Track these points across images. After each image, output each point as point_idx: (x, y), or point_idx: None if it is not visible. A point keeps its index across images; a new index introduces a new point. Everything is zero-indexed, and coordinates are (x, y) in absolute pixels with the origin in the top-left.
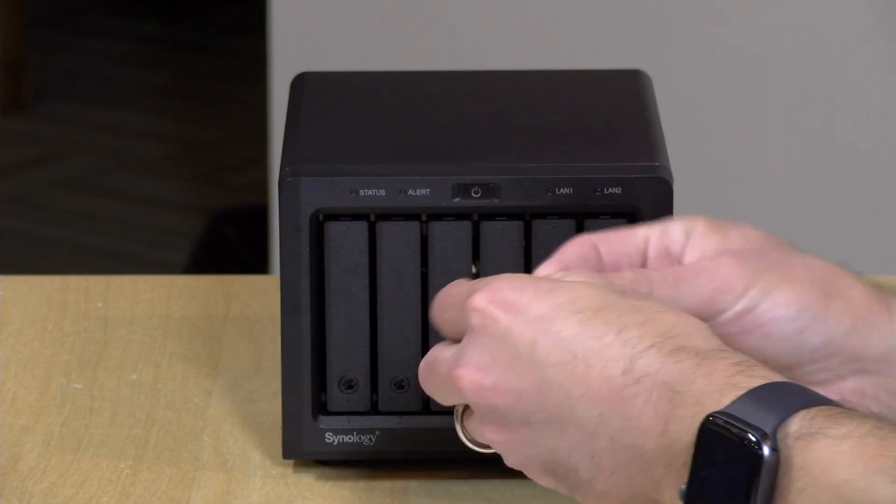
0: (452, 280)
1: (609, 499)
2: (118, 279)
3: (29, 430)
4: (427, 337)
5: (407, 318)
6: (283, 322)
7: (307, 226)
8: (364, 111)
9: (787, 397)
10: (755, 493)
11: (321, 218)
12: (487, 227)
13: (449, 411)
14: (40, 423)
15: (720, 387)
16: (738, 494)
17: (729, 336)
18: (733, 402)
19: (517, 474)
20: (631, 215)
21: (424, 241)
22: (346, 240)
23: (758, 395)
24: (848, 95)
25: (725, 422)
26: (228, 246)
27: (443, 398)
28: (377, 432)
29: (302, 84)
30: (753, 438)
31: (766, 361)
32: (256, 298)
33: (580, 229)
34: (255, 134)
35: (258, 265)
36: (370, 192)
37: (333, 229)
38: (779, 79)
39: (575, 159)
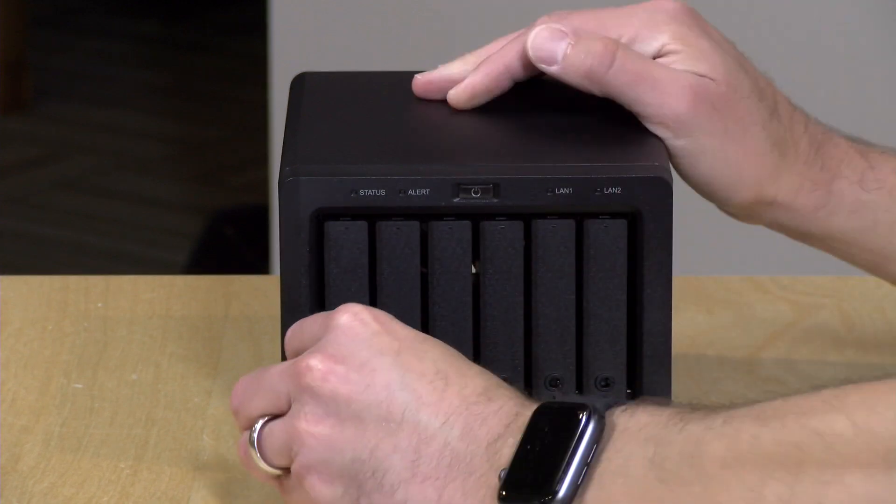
0: (453, 280)
1: None
2: (118, 279)
3: (29, 430)
4: None
5: (406, 317)
6: (283, 322)
7: (307, 226)
8: (364, 111)
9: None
10: (575, 451)
11: (321, 218)
12: (487, 227)
13: None
14: (40, 423)
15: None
16: (558, 457)
17: None
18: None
19: None
20: (631, 215)
21: (424, 240)
22: (346, 240)
23: (594, 397)
24: (849, 96)
25: (560, 403)
26: (228, 246)
27: (260, 404)
28: None
29: (302, 84)
30: (583, 408)
31: None
32: (256, 298)
33: (580, 229)
34: (255, 134)
35: (258, 265)
36: (370, 191)
37: (333, 229)
38: (779, 79)
39: (575, 159)
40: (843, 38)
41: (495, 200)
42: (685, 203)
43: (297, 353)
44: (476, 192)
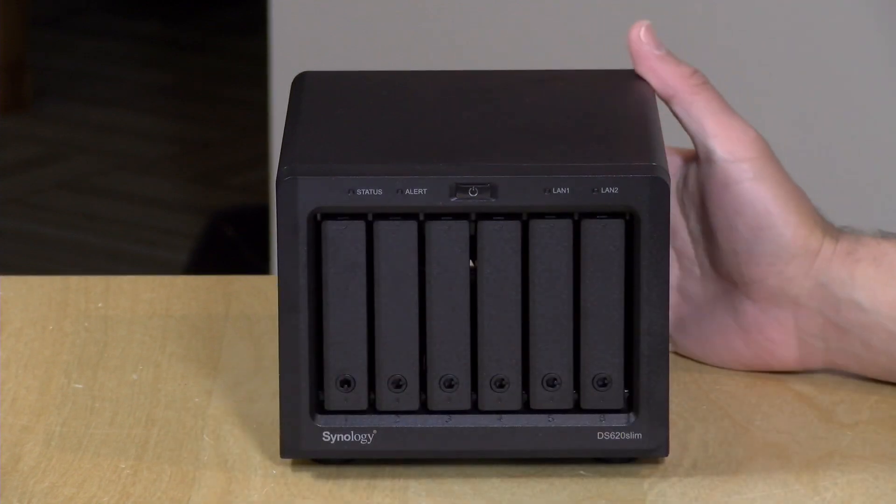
0: (450, 280)
1: None
2: (118, 279)
3: (29, 430)
4: (424, 335)
5: (404, 317)
6: (281, 321)
7: (304, 225)
8: (364, 111)
9: None
10: None
11: (319, 217)
12: (485, 227)
13: (445, 411)
14: (40, 423)
15: None
16: None
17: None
18: None
19: (517, 474)
20: (628, 215)
21: (422, 240)
22: (344, 239)
23: None
24: (849, 96)
25: None
26: (228, 246)
27: None
28: (374, 431)
29: (302, 83)
30: None
31: None
32: (256, 298)
33: (577, 229)
34: (255, 134)
35: (258, 265)
36: (368, 191)
37: (331, 229)
38: (779, 79)
39: (572, 159)
40: (843, 37)
41: (493, 200)
42: None
43: None
44: (473, 192)
